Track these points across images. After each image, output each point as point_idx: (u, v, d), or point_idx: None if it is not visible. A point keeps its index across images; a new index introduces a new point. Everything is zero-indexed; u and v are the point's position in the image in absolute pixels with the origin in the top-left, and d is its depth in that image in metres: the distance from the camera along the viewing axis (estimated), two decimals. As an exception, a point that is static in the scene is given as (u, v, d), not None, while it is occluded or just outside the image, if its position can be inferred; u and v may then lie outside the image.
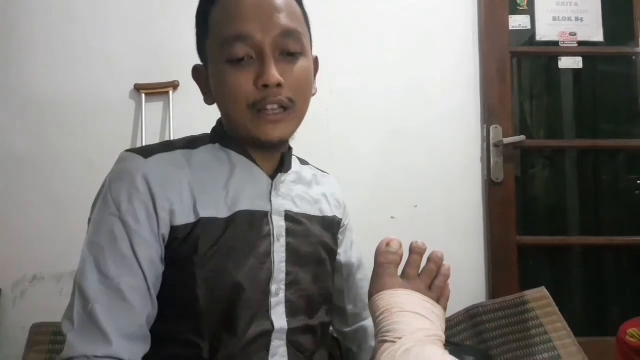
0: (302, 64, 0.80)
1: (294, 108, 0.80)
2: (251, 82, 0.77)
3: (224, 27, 0.78)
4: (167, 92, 1.97)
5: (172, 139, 1.85)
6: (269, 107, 0.78)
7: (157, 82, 1.96)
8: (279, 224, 0.84)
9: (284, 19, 0.78)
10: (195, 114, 1.93)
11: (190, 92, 1.93)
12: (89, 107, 1.96)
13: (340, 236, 0.98)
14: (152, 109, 1.98)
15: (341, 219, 0.99)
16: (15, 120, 1.96)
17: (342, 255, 0.99)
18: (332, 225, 0.95)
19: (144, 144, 1.90)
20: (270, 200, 0.84)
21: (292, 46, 0.79)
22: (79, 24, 1.99)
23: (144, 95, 1.96)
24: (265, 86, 0.76)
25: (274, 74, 0.76)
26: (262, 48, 0.76)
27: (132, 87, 1.98)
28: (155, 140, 1.95)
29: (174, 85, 1.96)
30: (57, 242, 1.88)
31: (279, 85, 0.76)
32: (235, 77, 0.77)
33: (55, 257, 1.88)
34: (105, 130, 1.96)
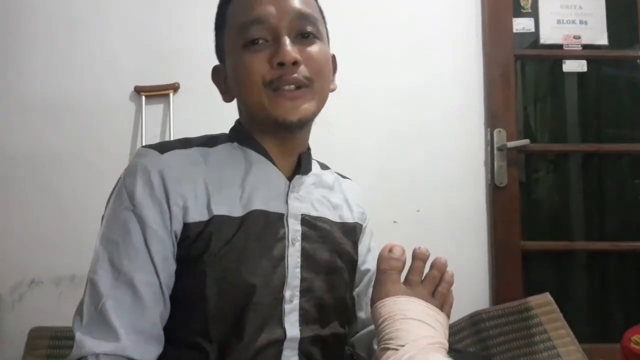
0: (319, 46, 0.81)
1: (312, 87, 0.79)
2: (266, 62, 0.77)
3: (239, 15, 0.80)
4: (167, 94, 1.96)
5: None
6: (286, 87, 0.77)
7: (157, 84, 1.96)
8: (294, 228, 0.82)
9: (298, 4, 0.79)
10: (196, 116, 1.93)
11: (190, 94, 1.93)
12: (89, 109, 1.96)
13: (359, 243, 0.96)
14: (152, 111, 1.97)
15: (362, 225, 0.97)
16: (15, 122, 1.96)
17: (358, 260, 0.96)
18: (354, 232, 0.93)
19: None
20: (287, 203, 0.82)
21: (308, 28, 0.79)
22: (79, 26, 1.99)
23: (144, 97, 1.96)
24: (281, 64, 0.76)
25: (290, 51, 0.76)
26: (277, 30, 0.77)
27: (132, 89, 1.97)
28: (155, 142, 1.94)
29: (174, 87, 1.96)
30: (56, 246, 1.87)
31: (295, 63, 0.76)
32: (250, 59, 0.77)
33: (54, 261, 1.88)
34: (105, 132, 1.95)
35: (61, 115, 1.96)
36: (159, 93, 1.96)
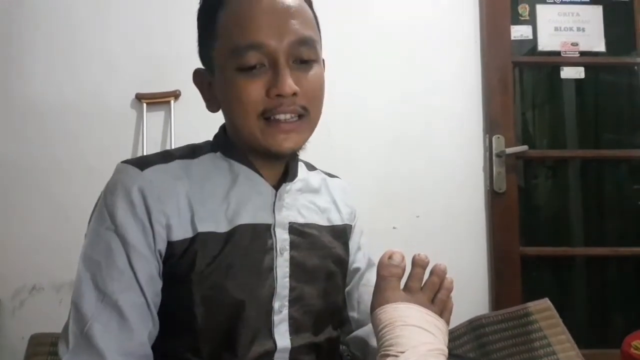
0: (316, 71, 0.77)
1: (307, 117, 0.77)
2: (262, 91, 0.73)
3: (235, 33, 0.74)
4: (169, 102, 1.97)
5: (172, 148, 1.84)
6: (282, 116, 0.75)
7: (158, 91, 1.97)
8: (282, 237, 0.80)
9: (298, 26, 0.75)
10: (197, 124, 1.92)
11: (191, 102, 1.93)
12: (90, 116, 1.96)
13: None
14: (153, 119, 1.98)
15: (351, 225, 0.95)
16: (16, 128, 1.96)
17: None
18: (344, 234, 0.92)
19: (144, 154, 1.90)
20: (274, 212, 0.81)
21: (307, 54, 0.76)
22: (80, 33, 2.00)
23: (145, 105, 1.96)
24: (279, 96, 0.73)
25: (290, 83, 0.73)
26: (276, 56, 0.73)
27: (134, 96, 1.98)
28: (156, 149, 1.94)
29: (175, 95, 1.96)
30: (57, 252, 1.87)
31: (293, 94, 0.73)
32: (246, 85, 0.73)
33: (54, 267, 1.88)
34: (106, 140, 1.96)
35: (62, 122, 1.96)
36: (160, 100, 1.97)
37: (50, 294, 1.89)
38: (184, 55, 1.95)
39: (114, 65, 2.00)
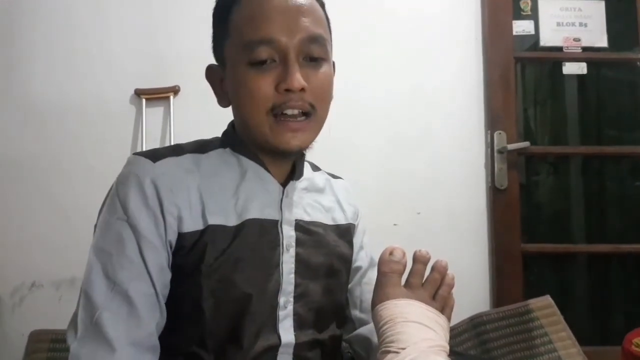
0: (325, 69, 0.79)
1: (314, 115, 0.78)
2: (272, 86, 0.75)
3: (247, 29, 0.76)
4: (168, 97, 1.96)
5: (172, 144, 1.84)
6: (289, 112, 0.76)
7: (157, 87, 1.96)
8: (288, 234, 0.82)
9: (309, 24, 0.77)
10: (196, 119, 1.93)
11: (190, 97, 1.94)
12: (90, 112, 1.96)
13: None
14: (152, 114, 1.97)
15: (355, 224, 0.97)
16: (16, 125, 1.96)
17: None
18: (348, 233, 0.93)
19: (144, 149, 1.89)
20: (281, 209, 0.82)
21: (317, 51, 0.78)
22: (79, 30, 2.00)
23: (144, 100, 1.96)
24: (288, 90, 0.74)
25: (298, 78, 0.74)
26: (286, 52, 0.75)
27: (133, 92, 1.97)
28: (155, 145, 1.94)
29: (175, 90, 1.96)
30: (57, 249, 1.87)
31: (301, 90, 0.75)
32: (256, 80, 0.75)
33: (54, 264, 1.88)
34: (106, 136, 1.95)
35: (61, 118, 1.96)
36: (159, 96, 1.96)
37: (49, 291, 1.89)
38: (183, 51, 1.97)
39: (113, 61, 1.99)
